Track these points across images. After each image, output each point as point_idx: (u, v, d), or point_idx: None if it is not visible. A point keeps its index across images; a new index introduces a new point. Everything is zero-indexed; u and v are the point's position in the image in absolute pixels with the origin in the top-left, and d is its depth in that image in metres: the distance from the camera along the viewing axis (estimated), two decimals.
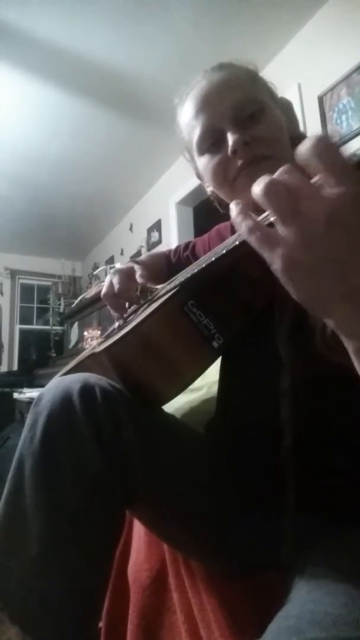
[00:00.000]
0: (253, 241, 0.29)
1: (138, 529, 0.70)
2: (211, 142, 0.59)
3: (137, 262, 0.78)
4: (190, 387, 0.52)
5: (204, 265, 0.47)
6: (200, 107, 0.59)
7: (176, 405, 0.80)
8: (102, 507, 0.46)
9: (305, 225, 0.27)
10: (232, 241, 0.43)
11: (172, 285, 0.54)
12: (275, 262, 0.28)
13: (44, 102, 2.48)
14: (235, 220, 0.31)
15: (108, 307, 0.73)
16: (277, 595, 0.42)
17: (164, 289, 0.58)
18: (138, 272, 0.70)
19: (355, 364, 0.29)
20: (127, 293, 0.70)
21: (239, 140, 0.55)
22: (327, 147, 0.27)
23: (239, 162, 0.57)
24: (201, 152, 0.62)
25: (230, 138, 0.56)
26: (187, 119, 0.62)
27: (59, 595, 0.45)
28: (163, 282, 0.73)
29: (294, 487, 0.47)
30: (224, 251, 0.43)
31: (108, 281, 0.72)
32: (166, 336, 0.49)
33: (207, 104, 0.59)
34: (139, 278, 0.69)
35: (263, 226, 0.30)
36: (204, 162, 0.62)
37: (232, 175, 0.58)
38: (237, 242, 0.40)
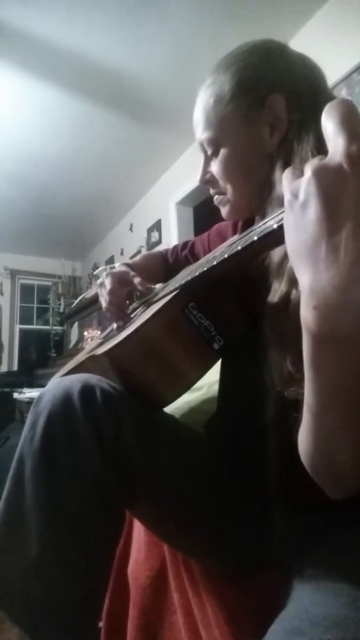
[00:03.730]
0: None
1: (138, 529, 0.70)
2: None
3: (129, 265, 0.79)
4: None
5: (205, 268, 0.46)
6: None
7: (176, 405, 0.80)
8: (101, 508, 0.47)
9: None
10: (233, 245, 0.42)
11: (172, 287, 0.54)
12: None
13: (44, 102, 2.48)
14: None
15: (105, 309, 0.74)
16: (277, 595, 0.42)
17: (164, 291, 0.58)
18: (134, 279, 0.70)
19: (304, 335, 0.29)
20: (120, 298, 0.71)
21: (200, 180, 0.62)
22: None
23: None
24: None
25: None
26: None
27: (58, 595, 0.45)
28: (159, 283, 0.73)
29: (276, 485, 0.46)
30: (226, 255, 0.42)
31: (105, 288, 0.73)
32: (167, 338, 0.49)
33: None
34: (133, 280, 0.70)
35: (297, 172, 0.30)
36: None
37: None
38: (239, 247, 0.40)
